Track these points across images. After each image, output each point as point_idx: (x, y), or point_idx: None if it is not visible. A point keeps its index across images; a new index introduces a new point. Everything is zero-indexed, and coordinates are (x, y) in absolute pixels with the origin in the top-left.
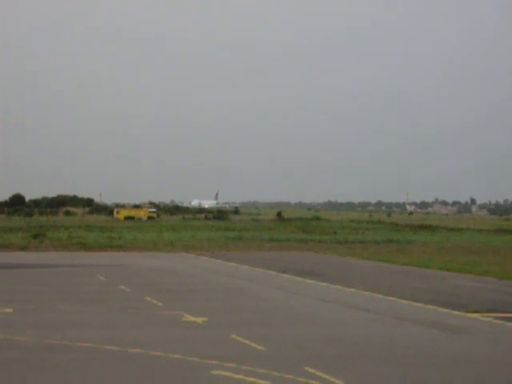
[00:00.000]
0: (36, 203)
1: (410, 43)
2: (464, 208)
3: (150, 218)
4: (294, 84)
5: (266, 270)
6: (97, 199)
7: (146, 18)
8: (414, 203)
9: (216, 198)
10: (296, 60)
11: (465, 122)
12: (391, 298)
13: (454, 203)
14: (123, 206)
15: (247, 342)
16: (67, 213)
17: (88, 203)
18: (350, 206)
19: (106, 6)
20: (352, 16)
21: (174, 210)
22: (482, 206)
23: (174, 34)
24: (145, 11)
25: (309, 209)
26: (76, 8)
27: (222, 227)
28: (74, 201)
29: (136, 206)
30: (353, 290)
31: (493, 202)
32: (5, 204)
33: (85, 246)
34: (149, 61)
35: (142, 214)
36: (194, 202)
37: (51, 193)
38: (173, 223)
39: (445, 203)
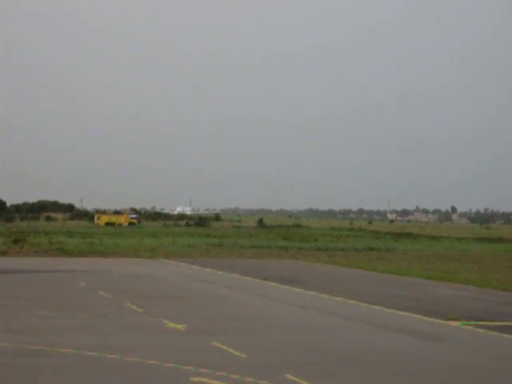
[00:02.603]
0: (17, 208)
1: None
2: (445, 216)
3: (130, 224)
4: (278, 90)
5: (246, 277)
6: (78, 205)
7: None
8: (395, 211)
9: (190, 204)
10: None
11: (446, 132)
12: (371, 306)
13: (435, 211)
14: (104, 212)
15: (228, 348)
16: (48, 218)
17: (69, 209)
18: (331, 214)
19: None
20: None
21: (155, 216)
22: (462, 215)
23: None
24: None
25: (290, 216)
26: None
27: (203, 234)
28: (55, 206)
29: (117, 212)
30: (333, 297)
31: (473, 210)
32: None
33: (65, 252)
34: (138, 60)
35: (123, 220)
36: (179, 209)
37: (32, 198)
38: (154, 229)
39: (426, 211)
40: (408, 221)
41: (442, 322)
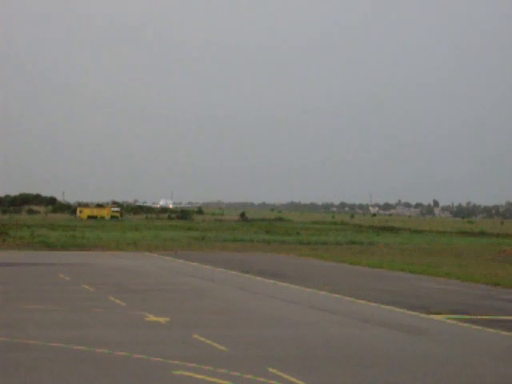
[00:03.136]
0: None
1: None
2: (427, 210)
3: (113, 217)
4: (260, 85)
5: (228, 271)
6: (60, 198)
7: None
8: (378, 205)
9: (171, 197)
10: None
11: (428, 126)
12: (354, 300)
13: (417, 205)
14: (86, 205)
15: (209, 342)
16: (30, 211)
17: (51, 202)
18: (313, 208)
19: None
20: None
21: (138, 209)
22: (444, 209)
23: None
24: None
25: (272, 210)
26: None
27: (186, 227)
28: (37, 199)
29: (99, 206)
30: (315, 291)
31: (455, 204)
32: None
33: (48, 245)
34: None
35: (105, 213)
36: (162, 202)
37: (14, 191)
38: (136, 223)
39: (408, 205)
40: (390, 215)
41: (426, 316)
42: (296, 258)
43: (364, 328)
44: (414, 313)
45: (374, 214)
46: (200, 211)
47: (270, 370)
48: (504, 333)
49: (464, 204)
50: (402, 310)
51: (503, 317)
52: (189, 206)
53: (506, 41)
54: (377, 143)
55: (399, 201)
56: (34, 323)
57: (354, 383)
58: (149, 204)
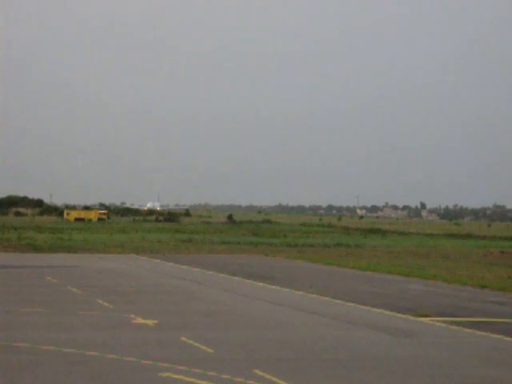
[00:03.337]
0: None
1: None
2: (414, 212)
3: (100, 219)
4: (246, 86)
5: (216, 273)
6: (47, 200)
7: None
8: (365, 207)
9: (158, 199)
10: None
11: (416, 129)
12: (341, 302)
13: (405, 208)
14: (73, 208)
15: (196, 344)
16: (17, 213)
17: (38, 204)
18: (300, 210)
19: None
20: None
21: (125, 211)
22: (431, 211)
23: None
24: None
25: (259, 212)
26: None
27: (173, 229)
28: (24, 202)
29: (86, 208)
30: (303, 293)
31: (443, 206)
32: None
33: (35, 247)
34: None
35: (93, 215)
36: (150, 205)
37: (1, 193)
38: (123, 225)
39: (395, 208)
40: (377, 217)
41: (414, 318)
42: (284, 260)
43: (352, 330)
44: (402, 315)
45: (362, 217)
46: (187, 213)
47: (257, 371)
48: (492, 335)
49: (451, 206)
50: (389, 313)
51: (491, 319)
52: (176, 208)
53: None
54: (364, 146)
55: (386, 203)
56: (22, 326)
57: None
58: (136, 206)
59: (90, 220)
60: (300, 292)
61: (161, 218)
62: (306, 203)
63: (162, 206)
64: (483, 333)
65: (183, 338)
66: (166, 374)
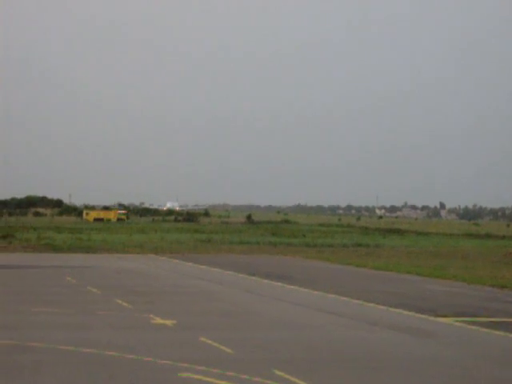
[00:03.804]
0: (5, 204)
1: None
2: (433, 212)
3: (119, 219)
4: (267, 87)
5: (235, 273)
6: (66, 200)
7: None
8: (384, 207)
9: (177, 199)
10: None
11: (435, 129)
12: (361, 302)
13: (424, 208)
14: (93, 208)
15: (216, 344)
16: (36, 214)
17: (57, 204)
18: (319, 210)
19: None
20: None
21: (144, 211)
22: (451, 211)
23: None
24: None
25: (278, 212)
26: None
27: (192, 229)
28: (44, 202)
29: (105, 208)
30: (322, 293)
31: (462, 206)
32: None
33: (54, 247)
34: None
35: (112, 215)
36: (169, 205)
37: (20, 194)
38: (142, 225)
39: (414, 208)
40: (397, 217)
41: (434, 318)
42: (302, 260)
43: (372, 331)
44: (422, 315)
45: (381, 217)
46: (206, 213)
47: (277, 372)
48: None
49: (470, 206)
50: (409, 313)
51: (510, 319)
52: (195, 208)
53: (506, 42)
54: (383, 146)
55: (405, 203)
56: (42, 326)
57: None
58: (155, 206)
59: (109, 220)
60: (320, 292)
61: (180, 218)
62: (325, 203)
63: (180, 206)
64: (503, 333)
65: (202, 338)
66: (185, 375)
